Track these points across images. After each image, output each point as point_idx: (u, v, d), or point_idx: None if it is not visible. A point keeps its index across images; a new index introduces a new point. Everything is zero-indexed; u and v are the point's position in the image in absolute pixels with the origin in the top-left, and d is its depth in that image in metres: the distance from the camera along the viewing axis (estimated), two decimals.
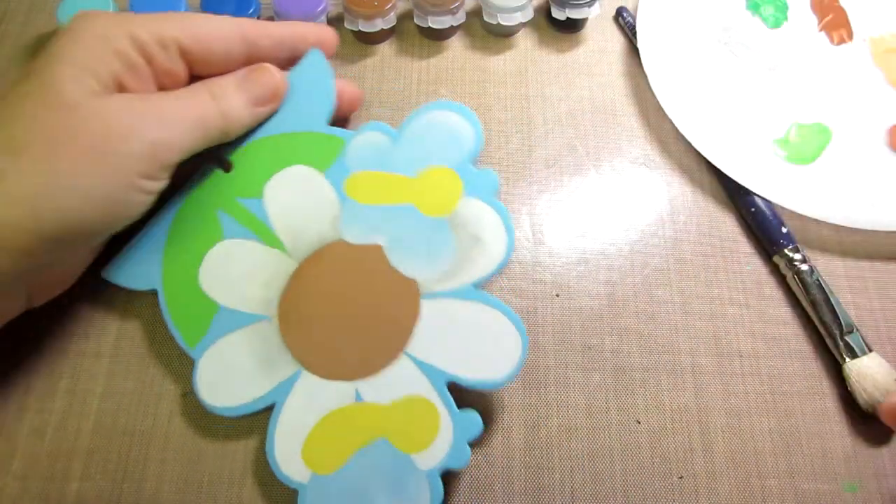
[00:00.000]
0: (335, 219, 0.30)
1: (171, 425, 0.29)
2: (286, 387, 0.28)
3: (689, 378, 0.31)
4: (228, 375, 0.28)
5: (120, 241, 0.30)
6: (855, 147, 0.36)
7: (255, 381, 0.28)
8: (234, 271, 0.29)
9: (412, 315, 0.28)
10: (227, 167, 0.31)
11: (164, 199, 0.30)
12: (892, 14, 0.40)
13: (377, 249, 0.29)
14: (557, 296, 0.32)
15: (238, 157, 0.31)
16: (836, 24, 0.39)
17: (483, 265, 0.28)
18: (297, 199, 0.30)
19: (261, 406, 0.28)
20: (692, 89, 0.37)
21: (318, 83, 0.31)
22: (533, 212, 0.34)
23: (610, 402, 0.30)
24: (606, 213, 0.34)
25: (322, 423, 0.27)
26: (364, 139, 0.30)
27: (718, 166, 0.34)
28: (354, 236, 0.30)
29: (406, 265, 0.29)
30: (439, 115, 0.30)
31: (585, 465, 0.29)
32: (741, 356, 0.31)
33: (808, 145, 0.36)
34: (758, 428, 0.30)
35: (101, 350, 0.31)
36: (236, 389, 0.28)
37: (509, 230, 0.29)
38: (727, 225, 0.34)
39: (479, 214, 0.29)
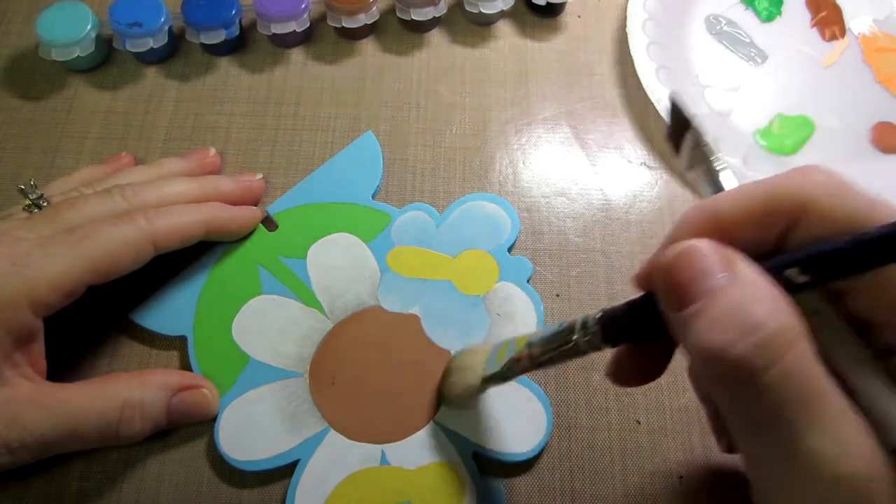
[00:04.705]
0: (374, 286, 0.31)
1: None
2: (312, 444, 0.28)
3: (689, 378, 0.31)
4: (253, 429, 0.28)
5: (149, 285, 0.30)
6: (838, 141, 0.36)
7: (280, 436, 0.28)
8: (269, 326, 0.30)
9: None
10: (271, 226, 0.32)
11: (203, 250, 0.31)
12: (885, 13, 0.40)
13: (414, 318, 0.30)
14: (558, 296, 0.32)
15: (283, 217, 0.32)
16: (829, 20, 0.40)
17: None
18: (339, 264, 0.32)
19: (284, 461, 0.28)
20: (681, 80, 0.37)
21: (369, 161, 0.34)
22: (533, 212, 0.34)
23: (610, 402, 0.30)
24: (607, 213, 0.34)
25: (345, 483, 0.27)
26: (409, 217, 0.33)
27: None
28: (392, 304, 0.31)
29: (440, 336, 0.30)
30: (482, 204, 0.33)
31: (585, 465, 0.29)
32: None
33: (789, 137, 0.36)
34: None
35: (100, 350, 0.31)
36: (260, 443, 0.28)
37: (539, 314, 0.31)
38: None
39: (513, 297, 0.31)
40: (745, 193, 0.19)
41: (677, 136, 0.23)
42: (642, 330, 0.20)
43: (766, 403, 0.15)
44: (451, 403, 0.29)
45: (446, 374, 0.29)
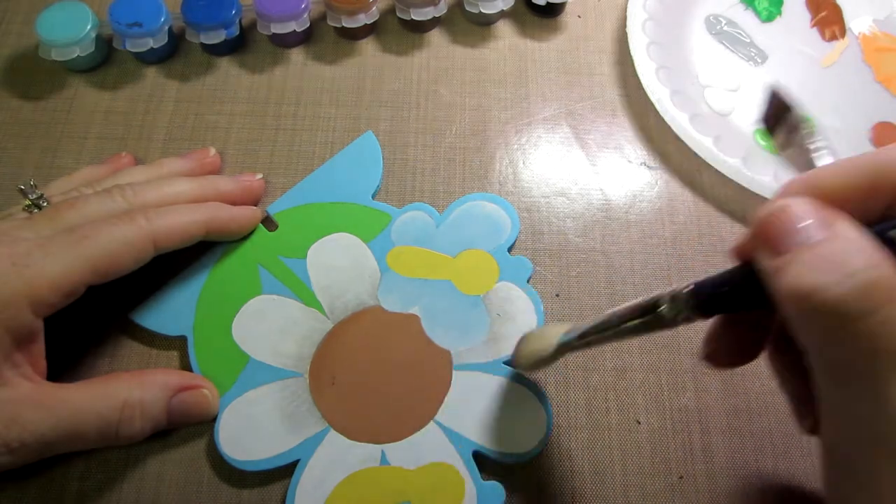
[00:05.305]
0: (374, 286, 0.31)
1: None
2: (312, 444, 0.28)
3: (688, 378, 0.31)
4: (253, 429, 0.28)
5: (149, 285, 0.30)
6: (839, 142, 0.36)
7: (280, 436, 0.28)
8: (269, 326, 0.30)
9: (444, 384, 0.29)
10: (271, 226, 0.32)
11: (203, 250, 0.31)
12: (885, 13, 0.40)
13: (414, 318, 0.30)
14: (557, 296, 0.32)
15: (283, 217, 0.32)
16: (829, 20, 0.40)
17: (514, 344, 0.30)
18: (339, 264, 0.32)
19: (284, 461, 0.28)
20: (681, 80, 0.37)
21: (369, 161, 0.34)
22: (533, 212, 0.34)
23: (610, 402, 0.30)
24: (607, 213, 0.34)
25: (345, 483, 0.27)
26: (409, 217, 0.33)
27: (702, 156, 0.34)
28: (391, 304, 0.31)
29: (440, 336, 0.30)
30: (482, 204, 0.33)
31: (585, 465, 0.29)
32: None
33: None
34: (758, 428, 0.30)
35: (100, 350, 0.31)
36: (260, 443, 0.28)
37: (539, 314, 0.31)
38: (727, 225, 0.34)
39: (513, 297, 0.31)
40: (847, 167, 0.18)
41: (774, 120, 0.24)
42: (737, 297, 0.20)
43: (860, 349, 0.15)
44: (520, 367, 0.29)
45: (520, 341, 0.28)
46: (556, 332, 0.26)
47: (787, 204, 0.17)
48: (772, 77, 0.38)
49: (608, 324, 0.23)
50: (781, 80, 0.38)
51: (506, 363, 0.30)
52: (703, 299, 0.20)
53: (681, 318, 0.21)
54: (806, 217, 0.17)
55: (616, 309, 0.23)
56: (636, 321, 0.22)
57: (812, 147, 0.22)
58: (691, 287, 0.20)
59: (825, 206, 0.17)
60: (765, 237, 0.17)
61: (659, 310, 0.21)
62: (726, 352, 0.22)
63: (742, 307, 0.21)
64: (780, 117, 0.24)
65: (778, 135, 0.24)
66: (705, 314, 0.20)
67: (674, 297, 0.21)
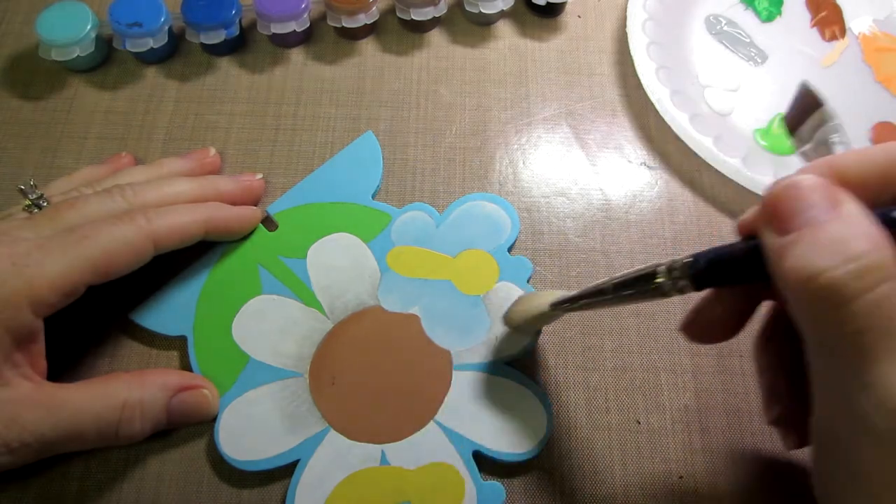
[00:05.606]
0: (374, 286, 0.31)
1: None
2: (312, 444, 0.28)
3: (689, 378, 0.31)
4: (253, 429, 0.28)
5: (149, 285, 0.31)
6: None
7: (280, 436, 0.28)
8: (269, 326, 0.30)
9: (444, 384, 0.29)
10: (271, 226, 0.32)
11: (203, 250, 0.31)
12: (885, 13, 0.40)
13: (414, 318, 0.30)
14: None
15: (283, 217, 0.33)
16: (829, 20, 0.40)
17: (513, 344, 0.30)
18: (339, 264, 0.32)
19: (284, 461, 0.28)
20: (681, 80, 0.37)
21: (369, 161, 0.34)
22: (533, 212, 0.34)
23: (610, 402, 0.30)
24: (607, 213, 0.34)
25: (345, 483, 0.27)
26: (409, 217, 0.33)
27: (702, 156, 0.34)
28: (391, 304, 0.31)
29: (440, 336, 0.30)
30: (482, 204, 0.33)
31: (585, 465, 0.29)
32: (741, 356, 0.31)
33: (789, 137, 0.36)
34: (758, 428, 0.30)
35: (100, 350, 0.31)
36: (260, 443, 0.28)
37: None
38: (727, 225, 0.34)
39: (513, 297, 0.30)
40: (866, 152, 0.19)
41: (801, 115, 0.24)
42: (734, 271, 0.20)
43: (850, 328, 0.16)
44: (512, 325, 0.29)
45: (514, 302, 0.29)
46: (551, 295, 0.26)
47: (797, 180, 0.18)
48: (772, 77, 0.38)
49: (604, 289, 0.23)
50: (781, 80, 0.38)
51: (502, 320, 0.30)
52: (700, 270, 0.20)
53: (676, 288, 0.21)
54: (814, 194, 0.17)
55: (614, 276, 0.23)
56: (631, 289, 0.22)
57: (836, 142, 0.22)
58: (690, 258, 0.21)
59: (834, 185, 0.18)
60: (772, 214, 0.18)
61: (655, 279, 0.21)
62: (705, 326, 0.23)
63: (736, 281, 0.21)
64: (807, 113, 0.24)
65: (801, 130, 0.24)
66: (699, 286, 0.20)
67: (671, 267, 0.21)
